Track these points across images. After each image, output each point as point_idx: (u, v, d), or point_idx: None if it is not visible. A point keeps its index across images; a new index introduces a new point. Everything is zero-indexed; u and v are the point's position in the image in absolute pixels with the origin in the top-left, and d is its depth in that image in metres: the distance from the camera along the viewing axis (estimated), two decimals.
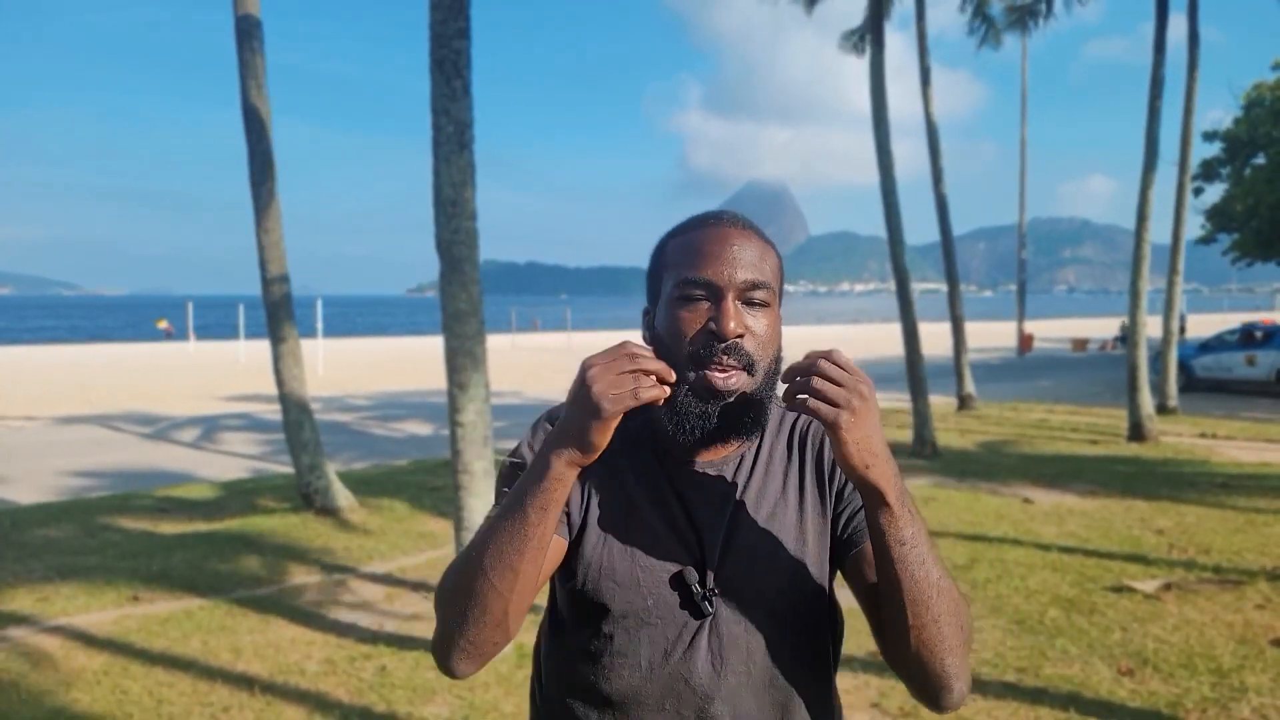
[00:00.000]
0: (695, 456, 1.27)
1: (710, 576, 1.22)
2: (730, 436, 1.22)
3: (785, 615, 1.25)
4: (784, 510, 1.27)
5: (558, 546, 1.23)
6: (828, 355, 1.09)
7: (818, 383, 1.07)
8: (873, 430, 1.08)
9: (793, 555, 1.25)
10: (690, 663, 1.21)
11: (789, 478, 1.29)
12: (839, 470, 1.28)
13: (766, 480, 1.28)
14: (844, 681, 4.39)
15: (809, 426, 1.33)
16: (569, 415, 1.09)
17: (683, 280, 1.19)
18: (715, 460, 1.27)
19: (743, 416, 1.20)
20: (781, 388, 1.19)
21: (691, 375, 1.17)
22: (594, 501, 1.26)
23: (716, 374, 1.16)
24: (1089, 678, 4.43)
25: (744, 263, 1.18)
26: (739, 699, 1.22)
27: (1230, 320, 31.92)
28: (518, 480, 1.14)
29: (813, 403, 1.07)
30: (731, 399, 1.18)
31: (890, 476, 1.10)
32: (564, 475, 1.10)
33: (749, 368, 1.18)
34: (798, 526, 1.26)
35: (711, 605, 1.21)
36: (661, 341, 1.21)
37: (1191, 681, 4.37)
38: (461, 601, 1.14)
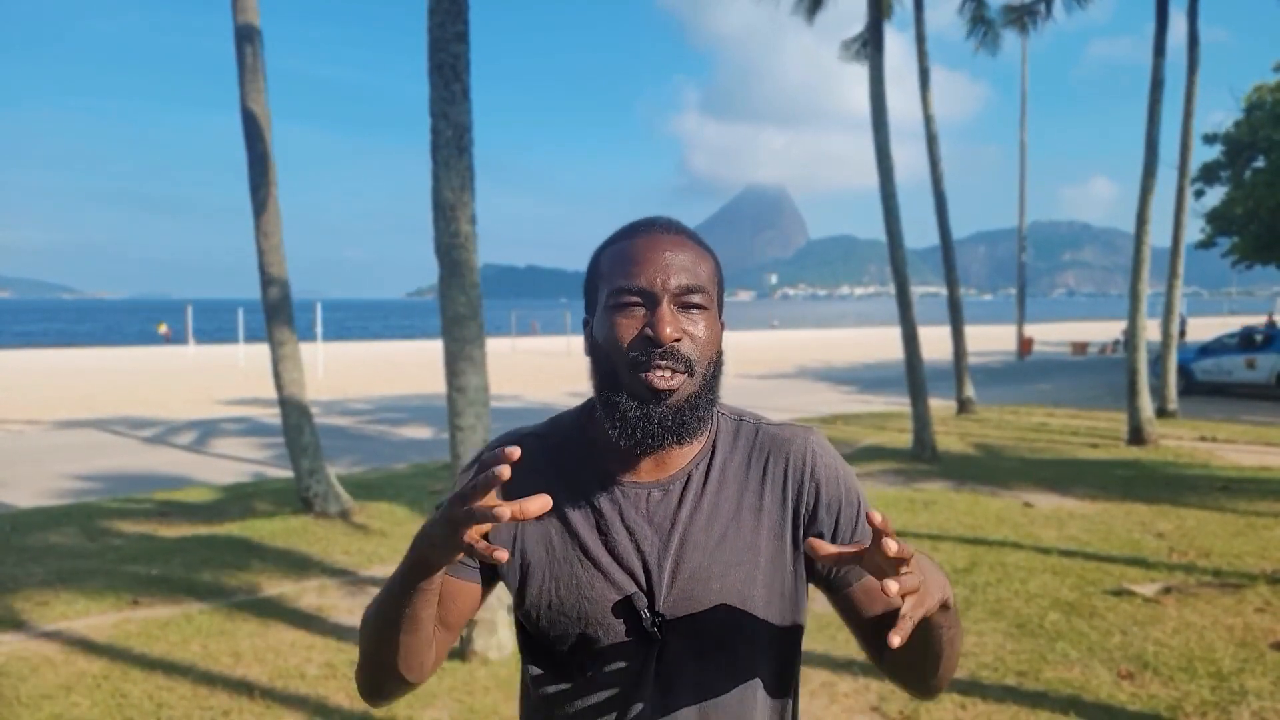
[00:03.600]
0: (640, 476, 1.24)
1: (659, 602, 1.19)
2: (673, 439, 1.18)
3: (736, 642, 1.22)
4: (734, 531, 1.23)
5: (468, 594, 1.24)
6: (886, 528, 1.01)
7: (910, 582, 1.00)
8: (934, 574, 1.09)
9: (745, 580, 1.22)
10: (640, 692, 1.19)
11: (745, 497, 1.25)
12: (818, 491, 1.26)
13: (719, 499, 1.24)
14: (843, 685, 4.39)
15: (770, 439, 1.29)
16: (430, 533, 1.06)
17: (617, 288, 1.18)
18: (662, 480, 1.24)
19: (685, 420, 1.18)
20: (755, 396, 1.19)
21: (632, 381, 1.17)
22: (535, 536, 1.24)
23: (656, 375, 1.15)
24: (1089, 681, 4.43)
25: (677, 267, 1.18)
26: None
27: (1230, 324, 31.93)
28: (387, 592, 1.16)
29: (921, 607, 1.04)
30: (672, 400, 1.17)
31: (950, 592, 1.13)
32: (419, 580, 1.10)
33: (688, 370, 1.17)
34: (750, 547, 1.23)
35: (660, 633, 1.19)
36: (601, 350, 1.21)
37: (1191, 685, 4.36)
38: (363, 646, 1.23)
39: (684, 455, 1.25)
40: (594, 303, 1.25)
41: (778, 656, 1.27)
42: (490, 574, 1.26)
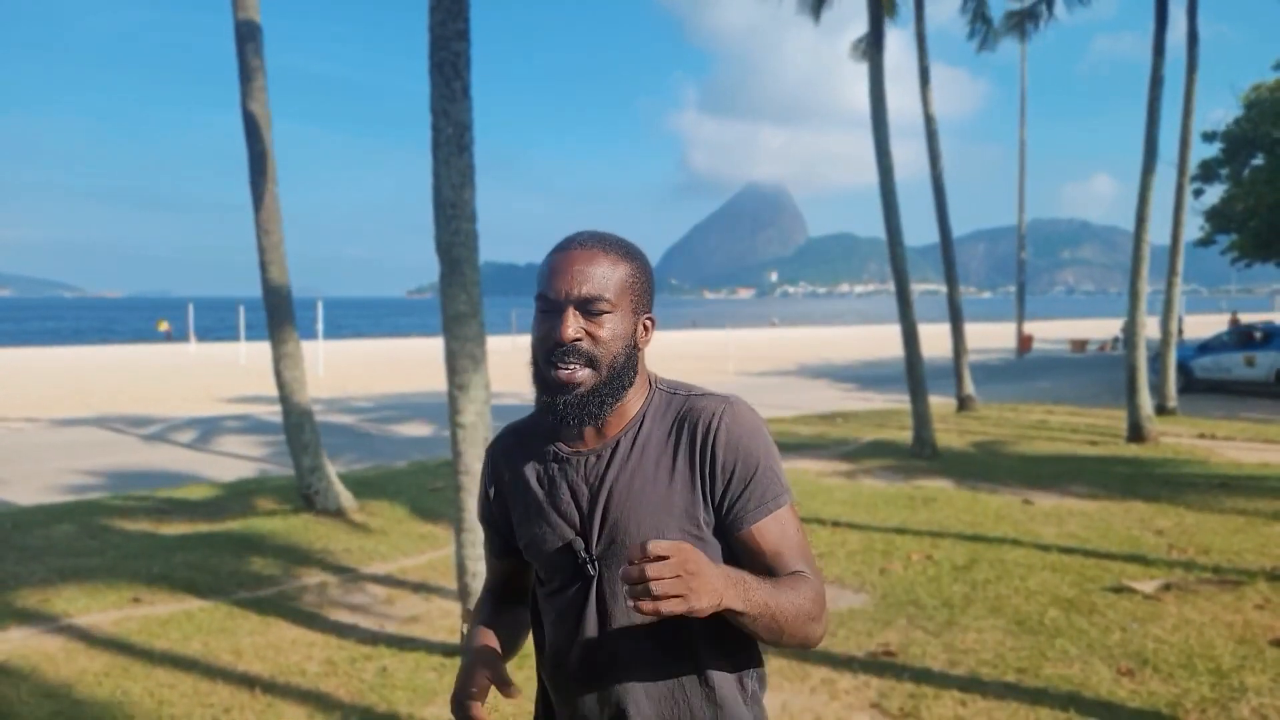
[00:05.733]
0: (583, 445, 1.51)
1: (592, 545, 1.47)
2: (578, 422, 1.45)
3: None
4: (651, 486, 1.46)
5: (518, 569, 1.68)
6: (645, 555, 1.21)
7: (657, 586, 1.20)
8: (711, 584, 1.25)
9: (658, 527, 1.44)
10: (584, 621, 1.48)
11: (662, 458, 1.48)
12: (716, 456, 1.45)
13: (641, 460, 1.47)
14: (844, 682, 4.40)
15: (689, 410, 1.50)
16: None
17: (537, 296, 1.46)
18: (597, 446, 1.50)
19: (588, 406, 1.43)
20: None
21: (547, 374, 1.44)
22: (511, 496, 1.59)
23: (560, 371, 1.41)
24: (1089, 678, 4.44)
25: (582, 279, 1.41)
26: (624, 648, 1.46)
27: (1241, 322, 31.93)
28: (467, 643, 1.59)
29: (664, 607, 1.21)
30: (576, 391, 1.42)
31: (735, 595, 1.30)
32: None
33: (591, 364, 1.42)
34: (664, 500, 1.46)
35: (594, 568, 1.47)
36: (532, 348, 1.48)
37: (1191, 682, 4.37)
38: None
39: (616, 425, 1.50)
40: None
41: None
42: (516, 549, 1.62)
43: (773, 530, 1.45)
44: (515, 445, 1.61)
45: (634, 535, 1.44)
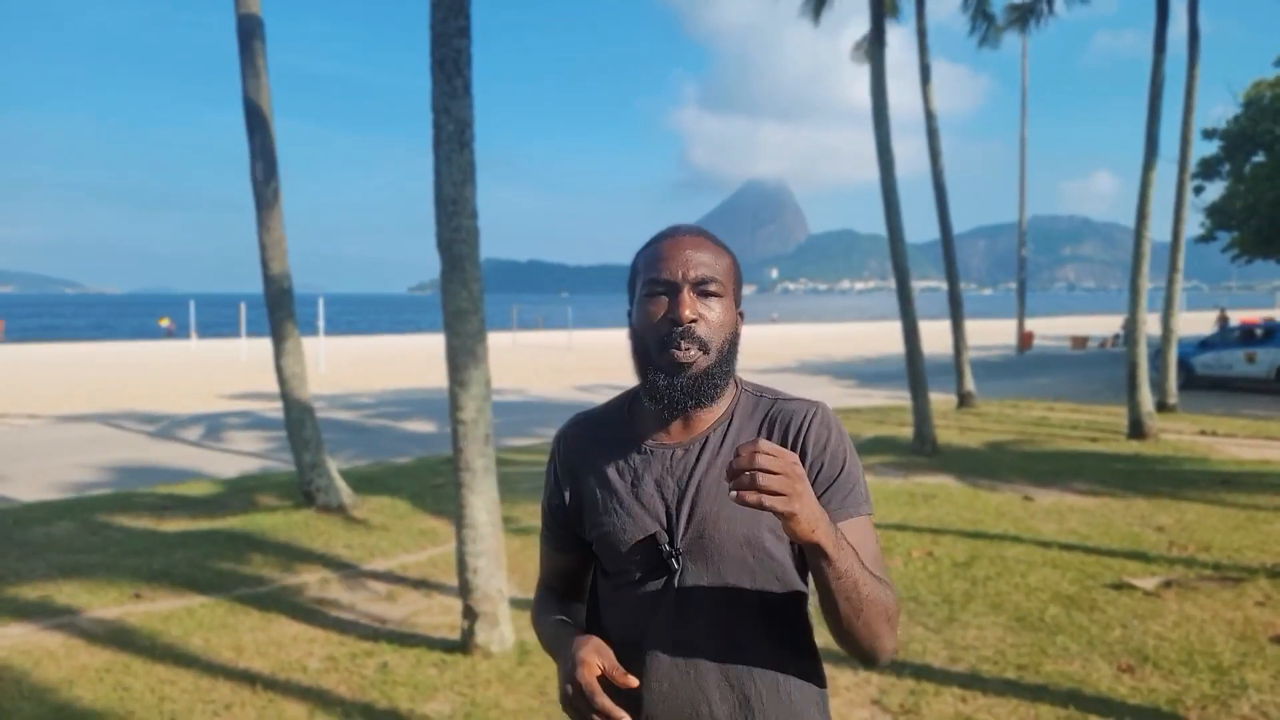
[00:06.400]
0: (668, 439, 1.51)
1: (677, 539, 1.45)
2: (693, 403, 1.45)
3: (744, 577, 1.45)
4: None
5: (580, 566, 1.65)
6: (757, 448, 1.22)
7: (763, 479, 1.21)
8: (811, 501, 1.25)
9: (751, 524, 1.44)
10: (663, 616, 1.45)
11: None
12: (805, 454, 1.45)
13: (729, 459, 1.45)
14: (844, 679, 4.40)
15: (779, 412, 1.51)
16: (559, 671, 1.43)
17: (647, 280, 1.46)
18: (684, 441, 1.50)
19: (702, 388, 1.44)
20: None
21: (660, 357, 1.43)
22: (585, 486, 1.55)
23: (677, 352, 1.41)
24: (1089, 675, 4.44)
25: (695, 262, 1.44)
26: (703, 645, 1.44)
27: (1229, 318, 31.91)
28: (551, 634, 1.55)
29: (768, 500, 1.21)
30: (691, 371, 1.42)
31: (829, 533, 1.28)
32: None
33: (704, 347, 1.43)
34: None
35: (678, 563, 1.45)
36: (637, 333, 1.48)
37: (1192, 678, 4.37)
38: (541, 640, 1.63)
39: (705, 421, 1.51)
40: (633, 296, 1.52)
41: (784, 595, 1.47)
42: (584, 541, 1.59)
43: (852, 534, 1.40)
44: (589, 435, 1.60)
45: (723, 531, 1.43)
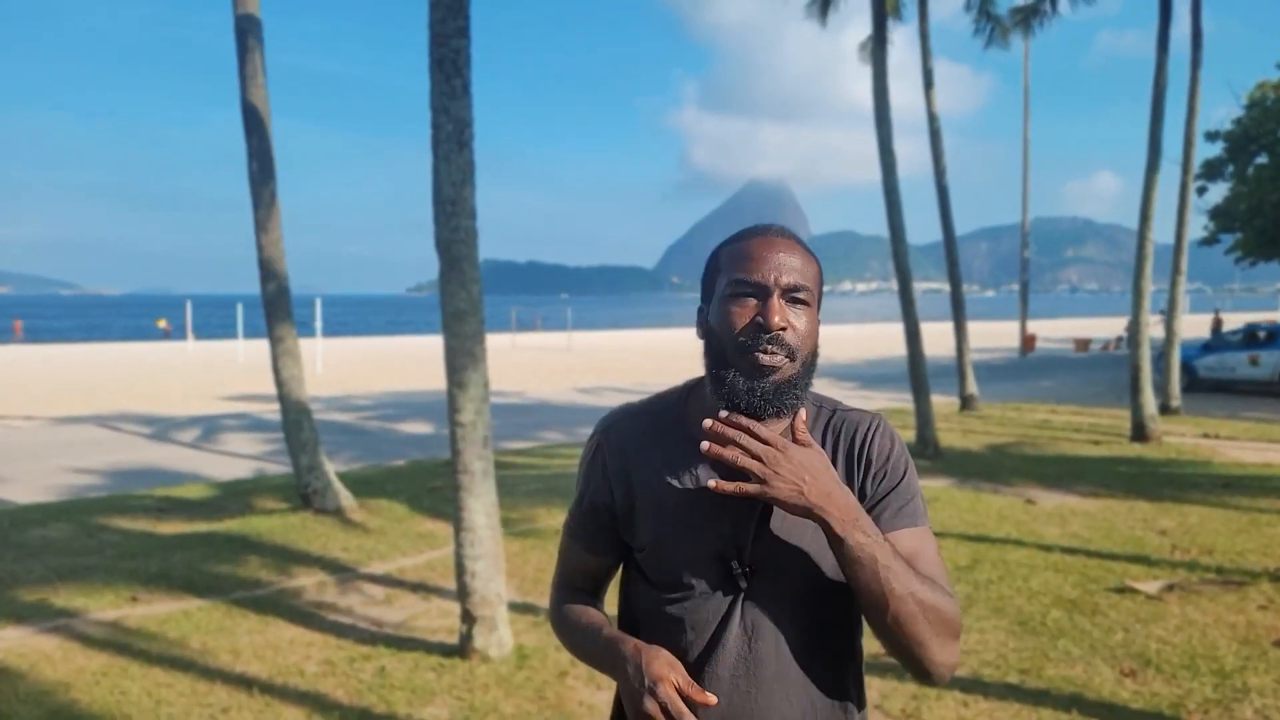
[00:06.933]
0: None
1: (746, 556, 1.39)
2: (772, 411, 1.36)
3: (811, 597, 1.40)
4: None
5: (610, 569, 1.59)
6: (735, 423, 1.28)
7: (743, 460, 1.27)
8: (815, 475, 1.28)
9: (816, 537, 1.37)
10: (726, 633, 1.39)
11: None
12: (870, 464, 1.43)
13: None
14: None
15: (842, 422, 1.48)
16: (621, 686, 1.38)
17: (734, 280, 1.37)
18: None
19: (784, 396, 1.37)
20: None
21: (741, 360, 1.35)
22: (645, 492, 1.46)
23: (762, 355, 1.34)
24: (1091, 679, 4.41)
25: (788, 268, 1.37)
26: (766, 667, 1.38)
27: (1232, 320, 31.88)
28: (596, 642, 1.46)
29: (743, 487, 1.27)
30: (775, 377, 1.35)
31: (835, 512, 1.28)
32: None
33: (790, 355, 1.36)
34: None
35: (745, 581, 1.39)
36: (714, 333, 1.40)
37: (1194, 682, 4.34)
38: (565, 643, 1.59)
39: (772, 429, 1.40)
40: (710, 293, 1.44)
41: (849, 611, 1.43)
42: (621, 545, 1.53)
43: (909, 541, 1.39)
44: (642, 434, 1.50)
45: (796, 550, 1.39)
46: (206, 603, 5.77)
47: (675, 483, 1.43)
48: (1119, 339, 34.85)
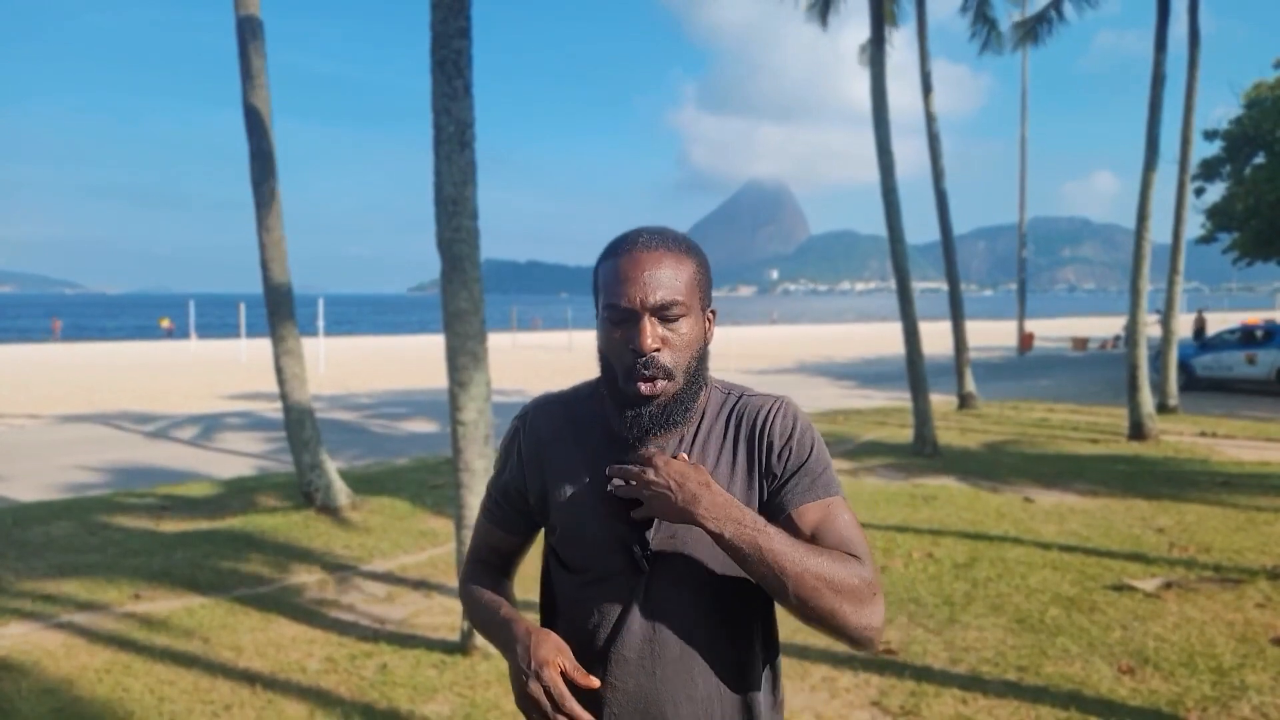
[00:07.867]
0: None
1: (649, 541, 1.44)
2: (661, 431, 1.44)
3: (712, 584, 1.45)
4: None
5: (519, 547, 1.68)
6: (614, 472, 1.43)
7: (625, 492, 1.42)
8: (682, 483, 1.36)
9: None
10: (630, 616, 1.44)
11: (722, 453, 1.48)
12: (772, 445, 1.47)
13: (702, 457, 1.47)
14: (844, 680, 4.40)
15: (745, 407, 1.51)
16: (510, 667, 1.43)
17: (606, 305, 1.42)
18: (659, 441, 1.48)
19: (670, 415, 1.44)
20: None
21: (626, 388, 1.41)
22: (558, 480, 1.52)
23: (643, 385, 1.39)
24: (1089, 676, 4.44)
25: (654, 285, 1.39)
26: (670, 651, 1.43)
27: (1229, 319, 31.90)
28: (494, 620, 1.52)
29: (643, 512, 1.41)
30: (658, 401, 1.41)
31: (704, 511, 1.35)
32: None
33: (668, 375, 1.41)
34: None
35: (648, 563, 1.44)
36: (604, 357, 1.46)
37: (1192, 680, 4.37)
38: (468, 614, 1.65)
39: (653, 452, 1.47)
40: (598, 307, 1.47)
41: (755, 596, 1.47)
42: (531, 525, 1.62)
43: (815, 514, 1.42)
44: (561, 421, 1.56)
45: (695, 533, 1.41)
46: (209, 600, 5.80)
47: (587, 471, 1.49)
48: (1116, 338, 34.88)
